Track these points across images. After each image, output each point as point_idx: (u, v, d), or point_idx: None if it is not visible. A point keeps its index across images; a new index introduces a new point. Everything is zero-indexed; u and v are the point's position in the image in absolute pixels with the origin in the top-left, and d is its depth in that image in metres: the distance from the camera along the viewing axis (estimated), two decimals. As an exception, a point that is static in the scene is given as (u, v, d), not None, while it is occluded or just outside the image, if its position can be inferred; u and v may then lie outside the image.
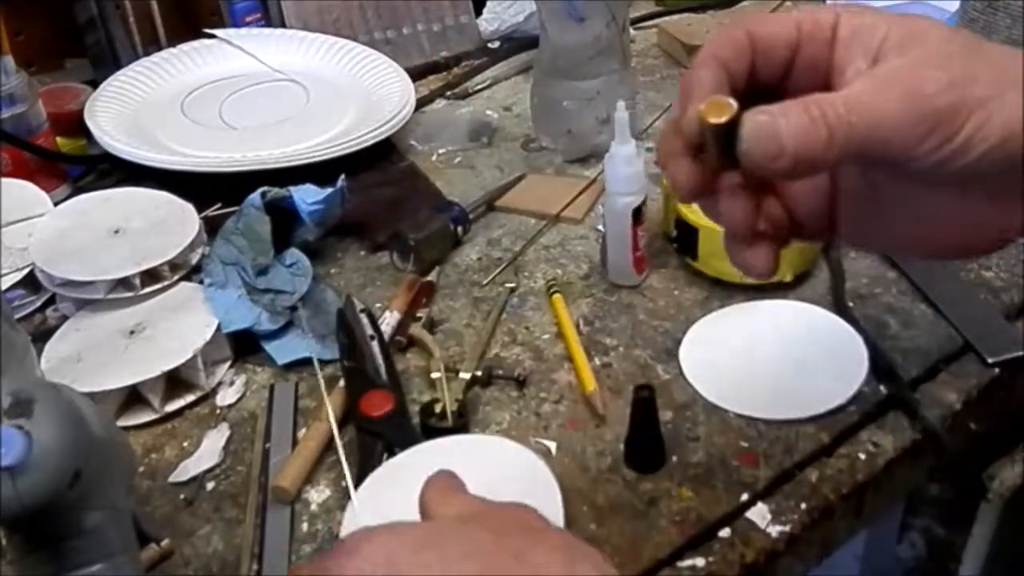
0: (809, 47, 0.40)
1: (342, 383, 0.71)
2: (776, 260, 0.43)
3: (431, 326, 0.77)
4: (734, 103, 0.37)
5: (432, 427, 0.66)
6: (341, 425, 0.67)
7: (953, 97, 0.36)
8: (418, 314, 0.78)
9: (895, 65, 0.38)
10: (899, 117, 0.36)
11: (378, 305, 0.80)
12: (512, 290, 0.81)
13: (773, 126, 0.36)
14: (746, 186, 0.41)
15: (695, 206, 0.77)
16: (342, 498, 0.63)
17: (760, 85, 0.41)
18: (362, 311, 0.73)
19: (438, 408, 0.67)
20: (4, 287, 0.78)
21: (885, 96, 0.37)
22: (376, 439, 0.65)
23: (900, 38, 0.38)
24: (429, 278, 0.82)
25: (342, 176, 0.86)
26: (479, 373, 0.71)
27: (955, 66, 0.37)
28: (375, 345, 0.71)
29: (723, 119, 0.37)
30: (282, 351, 0.75)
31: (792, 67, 0.41)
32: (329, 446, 0.67)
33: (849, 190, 0.44)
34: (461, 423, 0.67)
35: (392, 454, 0.64)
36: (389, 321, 0.77)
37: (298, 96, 1.11)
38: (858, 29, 0.39)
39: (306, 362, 0.75)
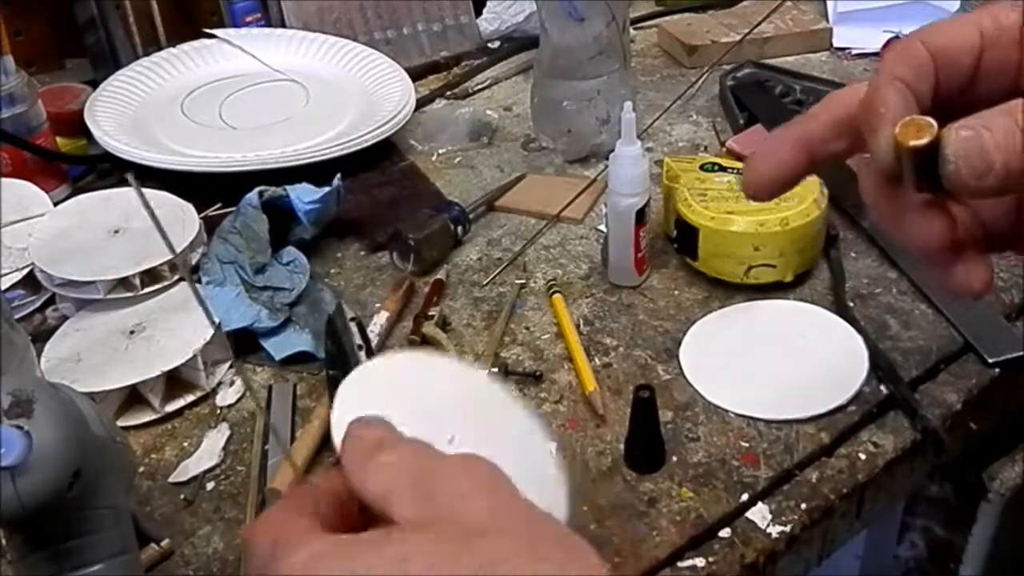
0: (994, 52, 0.37)
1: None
2: (991, 270, 0.38)
3: (443, 324, 0.77)
4: (934, 122, 0.33)
5: None
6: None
7: None
8: (430, 312, 0.77)
9: None
10: None
11: (377, 305, 0.80)
12: (522, 286, 0.81)
13: (979, 140, 0.33)
14: (935, 200, 0.37)
15: (696, 205, 0.78)
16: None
17: (942, 100, 0.37)
18: (352, 320, 0.73)
19: None
20: (4, 287, 0.78)
21: None
22: None
23: None
24: (439, 276, 0.82)
25: (338, 175, 0.86)
26: (495, 370, 0.71)
27: None
28: (363, 356, 0.70)
29: (924, 140, 0.33)
30: (279, 347, 0.75)
31: (976, 76, 0.37)
32: (327, 446, 0.67)
33: None
34: None
35: None
36: (378, 322, 0.77)
37: (298, 96, 1.11)
38: None
39: (305, 361, 0.75)
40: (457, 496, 0.32)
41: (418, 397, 0.41)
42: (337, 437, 0.37)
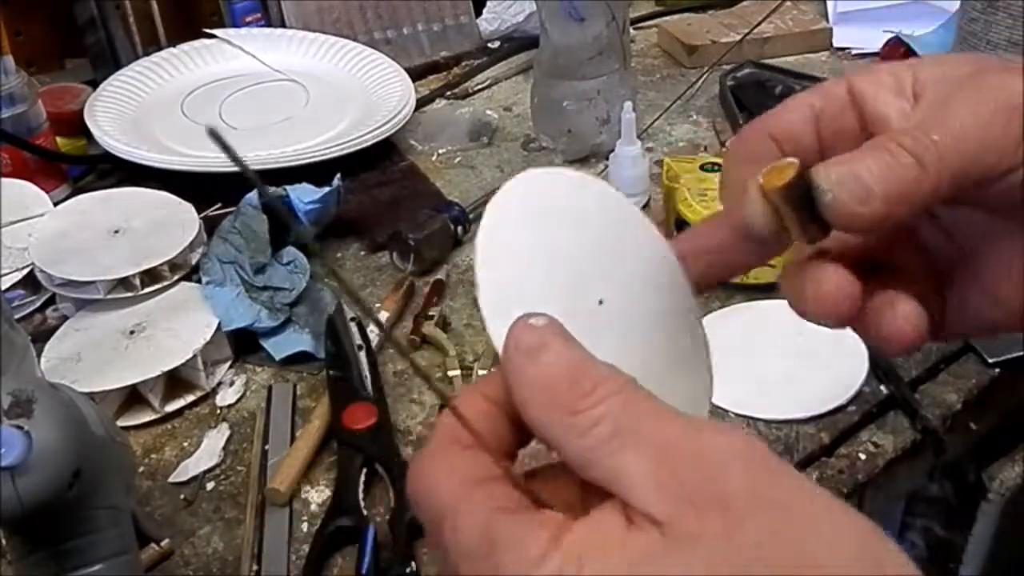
0: (829, 121, 0.36)
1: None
2: (923, 315, 0.34)
3: (444, 324, 0.77)
4: (794, 159, 0.32)
5: None
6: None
7: None
8: (430, 312, 0.77)
9: (946, 86, 0.33)
10: (984, 120, 0.31)
11: (377, 305, 0.80)
12: None
13: (853, 171, 0.31)
14: (828, 252, 0.35)
15: (696, 205, 0.78)
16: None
17: None
18: (352, 319, 0.73)
19: None
20: (4, 287, 0.78)
21: (955, 111, 0.32)
22: (356, 453, 0.64)
23: (932, 72, 0.34)
24: (439, 276, 0.82)
25: (338, 175, 0.86)
26: (495, 369, 0.70)
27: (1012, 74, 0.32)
28: (363, 356, 0.70)
29: (790, 176, 0.31)
30: (279, 347, 0.75)
31: (823, 148, 0.36)
32: (326, 446, 0.67)
33: (934, 248, 0.38)
34: None
35: (372, 470, 0.63)
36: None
37: (298, 96, 1.11)
38: (880, 79, 0.35)
39: (305, 362, 0.75)
40: (737, 507, 0.25)
41: (562, 233, 0.35)
42: (487, 307, 0.31)
